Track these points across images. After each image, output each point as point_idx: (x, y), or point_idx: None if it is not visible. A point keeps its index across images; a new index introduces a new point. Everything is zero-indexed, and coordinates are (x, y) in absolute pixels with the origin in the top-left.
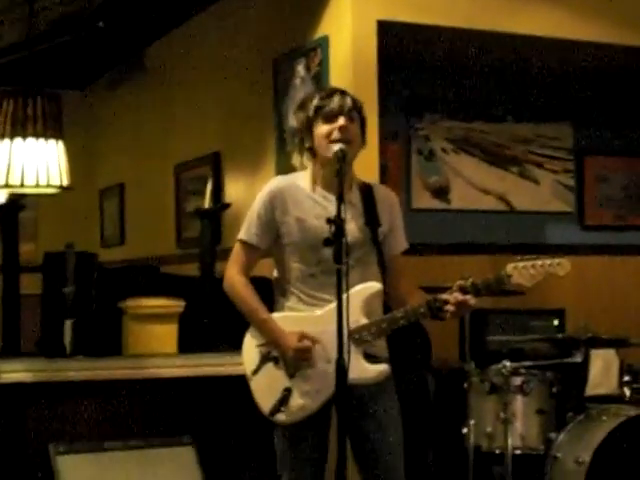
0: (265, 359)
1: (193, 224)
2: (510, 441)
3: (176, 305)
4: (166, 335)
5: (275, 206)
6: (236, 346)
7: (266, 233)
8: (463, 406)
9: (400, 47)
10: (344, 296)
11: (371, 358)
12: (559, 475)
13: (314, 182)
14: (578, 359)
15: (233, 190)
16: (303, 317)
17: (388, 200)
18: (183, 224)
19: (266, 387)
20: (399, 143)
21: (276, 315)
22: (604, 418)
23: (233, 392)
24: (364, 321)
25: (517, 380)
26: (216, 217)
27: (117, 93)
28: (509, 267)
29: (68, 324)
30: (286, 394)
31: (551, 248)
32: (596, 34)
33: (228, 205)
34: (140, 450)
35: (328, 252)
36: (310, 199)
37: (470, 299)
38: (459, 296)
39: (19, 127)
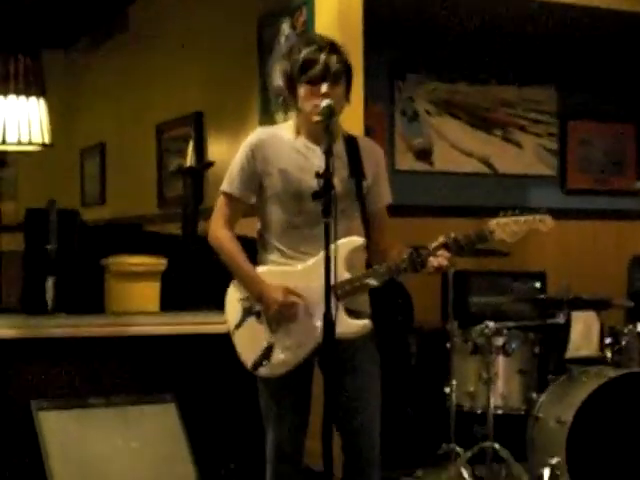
0: (248, 313)
1: (175, 183)
2: (492, 401)
3: (158, 263)
4: (148, 293)
5: (257, 157)
6: (218, 305)
7: (249, 185)
8: (445, 366)
9: (385, 7)
10: (331, 250)
11: (353, 313)
12: (540, 435)
13: (297, 132)
14: (560, 320)
15: (216, 150)
16: (286, 271)
17: (373, 153)
18: (165, 183)
19: (249, 341)
20: (383, 104)
21: (260, 269)
22: (585, 379)
23: (215, 350)
24: (347, 275)
25: (499, 340)
26: (199, 175)
27: (99, 53)
28: (491, 223)
29: (50, 281)
30: (268, 348)
31: (533, 211)
32: None
33: (212, 163)
34: (122, 407)
35: (311, 203)
36: (293, 150)
37: (451, 258)
38: (439, 249)
39: (0, 85)
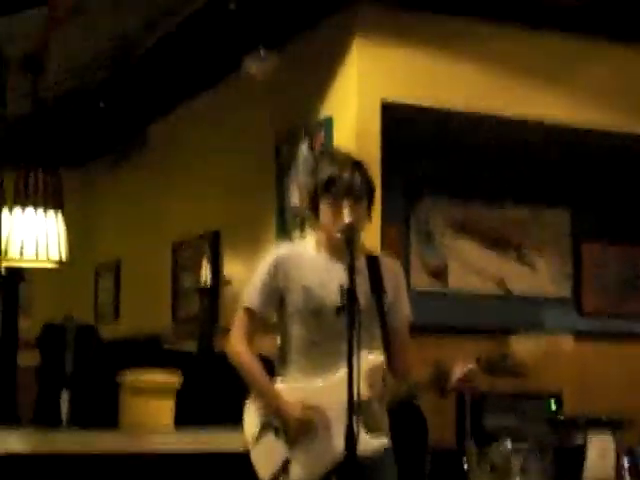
0: (266, 428)
1: (190, 301)
2: None
3: (173, 379)
4: (163, 409)
5: (279, 273)
6: (233, 422)
7: (270, 300)
8: None
9: (403, 128)
10: (354, 366)
11: (373, 431)
12: None
13: (318, 249)
14: (578, 442)
15: (232, 269)
16: (305, 387)
17: (393, 270)
18: (179, 301)
19: (266, 456)
20: (398, 225)
21: (278, 385)
22: None
23: (229, 469)
24: (367, 393)
25: (517, 460)
26: (216, 293)
27: (117, 170)
28: (513, 341)
29: (65, 395)
30: (286, 464)
31: (554, 332)
32: (595, 121)
33: (229, 281)
34: None
35: (332, 320)
36: (315, 266)
37: (474, 370)
38: (462, 369)
39: (19, 198)
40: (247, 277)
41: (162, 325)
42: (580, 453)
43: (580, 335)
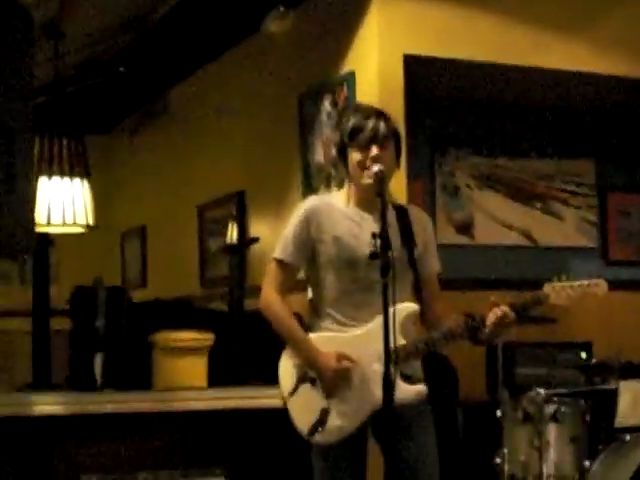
0: (302, 380)
1: (218, 263)
2: (545, 469)
3: (206, 338)
4: (196, 369)
5: (311, 224)
6: (265, 380)
7: (302, 251)
8: (493, 438)
9: (425, 82)
10: (390, 310)
11: (409, 379)
12: None
13: (349, 201)
14: (611, 386)
15: (258, 228)
16: (340, 337)
17: (422, 222)
18: (207, 264)
19: (303, 408)
20: (423, 179)
21: (312, 335)
22: (637, 445)
23: (264, 425)
24: (402, 341)
25: (550, 408)
26: (244, 252)
27: (140, 136)
28: (546, 287)
29: (98, 358)
30: (324, 415)
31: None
32: (620, 69)
33: (257, 239)
34: None
35: (365, 270)
36: (346, 218)
37: (509, 313)
38: (498, 311)
39: (44, 166)
40: (274, 236)
41: (190, 289)
42: (613, 398)
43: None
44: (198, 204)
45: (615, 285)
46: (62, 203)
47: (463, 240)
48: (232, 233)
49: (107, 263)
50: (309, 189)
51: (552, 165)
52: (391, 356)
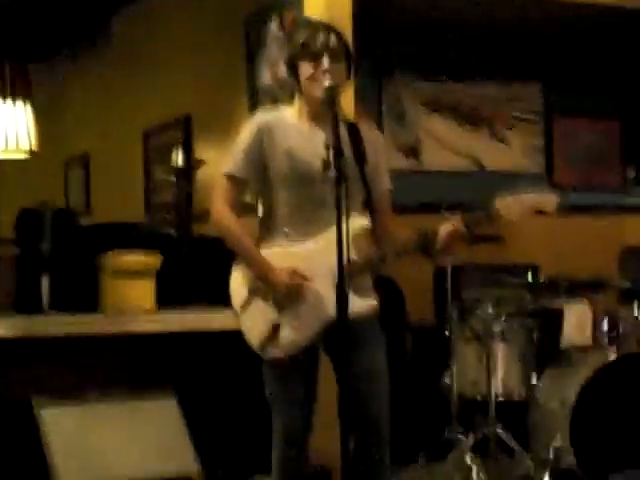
0: (253, 293)
1: (163, 190)
2: (493, 387)
3: (153, 260)
4: (143, 291)
5: (262, 138)
6: (213, 303)
7: (252, 166)
8: (441, 361)
9: (372, 6)
10: (343, 220)
11: (359, 293)
12: (543, 418)
13: (300, 116)
14: (557, 306)
15: (205, 153)
16: (291, 252)
17: (374, 138)
18: (152, 191)
19: (255, 322)
20: (370, 104)
21: (264, 251)
22: (585, 361)
23: (211, 346)
24: (354, 256)
25: (498, 327)
26: (190, 174)
27: (83, 63)
28: (497, 201)
29: (45, 280)
30: (275, 328)
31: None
32: None
33: (202, 161)
34: (122, 402)
35: (317, 185)
36: (298, 132)
37: (460, 227)
38: (449, 226)
39: None
40: (221, 161)
41: (136, 216)
42: (560, 317)
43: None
44: (144, 129)
45: (561, 210)
46: (4, 128)
47: (411, 165)
48: (178, 157)
49: (50, 191)
50: (256, 113)
51: (498, 89)
52: (344, 271)
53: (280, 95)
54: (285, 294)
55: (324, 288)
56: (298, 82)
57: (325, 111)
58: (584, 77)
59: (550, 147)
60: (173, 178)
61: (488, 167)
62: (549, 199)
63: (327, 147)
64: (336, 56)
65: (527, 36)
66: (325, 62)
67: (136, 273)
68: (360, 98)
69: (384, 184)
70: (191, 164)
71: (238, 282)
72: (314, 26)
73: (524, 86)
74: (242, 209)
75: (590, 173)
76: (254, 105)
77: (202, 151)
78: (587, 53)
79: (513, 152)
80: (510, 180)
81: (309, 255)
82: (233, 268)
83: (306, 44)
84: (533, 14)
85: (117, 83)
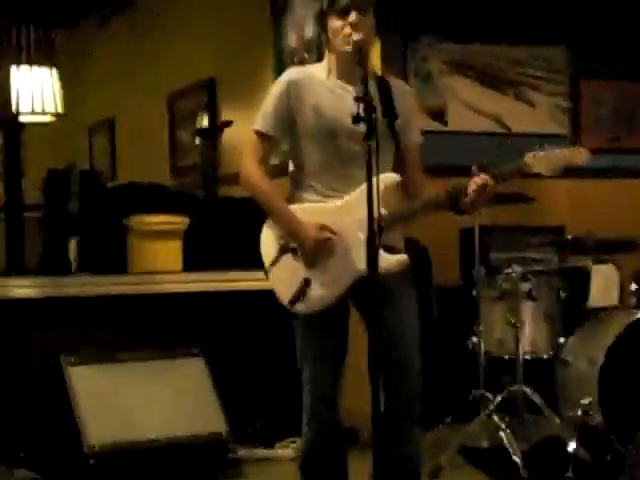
0: (283, 250)
1: (188, 154)
2: (520, 346)
3: (181, 222)
4: (171, 252)
5: (291, 95)
6: (240, 264)
7: (282, 123)
8: (466, 320)
9: None
10: (374, 178)
11: (389, 249)
12: (570, 377)
13: (330, 72)
14: (585, 264)
15: (230, 116)
16: (321, 208)
17: (404, 93)
18: (177, 154)
19: (285, 278)
20: (396, 65)
21: (293, 207)
22: (613, 320)
23: (238, 307)
24: (383, 211)
25: (525, 286)
26: (216, 135)
27: (107, 28)
28: (528, 156)
29: (73, 242)
30: (305, 284)
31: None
32: None
33: (230, 122)
34: (150, 361)
35: (346, 141)
36: (327, 89)
37: (489, 180)
38: (478, 180)
39: (12, 55)
40: (246, 124)
41: (161, 180)
42: (587, 276)
43: (579, 172)
44: (168, 93)
45: (587, 172)
46: (31, 91)
47: (436, 127)
48: (203, 120)
49: (75, 156)
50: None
51: (524, 51)
52: (374, 226)
53: (306, 57)
54: (314, 249)
55: (353, 244)
56: (327, 38)
57: (354, 66)
58: (610, 39)
59: (577, 109)
60: (198, 141)
61: (513, 129)
62: (580, 153)
63: (357, 99)
64: (364, 10)
65: None
66: (353, 15)
67: (163, 234)
68: (386, 60)
69: (414, 138)
70: (217, 125)
71: (268, 239)
72: None
73: (550, 49)
74: (271, 171)
75: (616, 135)
76: (280, 67)
77: (227, 114)
78: (613, 15)
79: (539, 114)
80: (536, 142)
81: (338, 211)
82: (264, 226)
83: (333, 0)
84: None
85: (142, 47)
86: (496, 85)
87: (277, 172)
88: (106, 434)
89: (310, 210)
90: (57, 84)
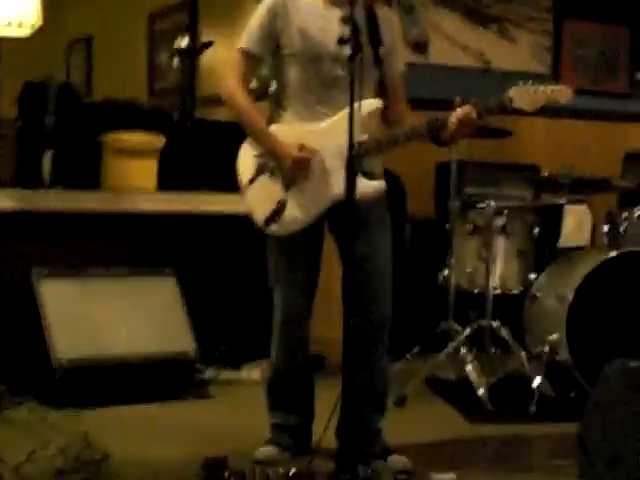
0: (261, 170)
1: (166, 75)
2: (490, 281)
3: (157, 140)
4: (146, 170)
5: (277, 15)
6: (214, 187)
7: (266, 42)
8: (439, 253)
9: None
10: (355, 104)
11: (367, 175)
12: (539, 313)
13: None
14: (562, 201)
15: (210, 38)
16: (301, 129)
17: (390, 22)
18: (155, 75)
19: (261, 198)
20: None
21: (274, 126)
22: (584, 259)
23: (211, 229)
24: (364, 137)
25: (499, 221)
26: (195, 56)
27: None
28: (511, 90)
29: (47, 155)
30: (281, 205)
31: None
32: None
33: (211, 43)
34: (122, 277)
35: (329, 64)
36: (313, 11)
37: (471, 112)
38: (460, 111)
39: None
40: (227, 45)
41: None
42: (561, 214)
43: (557, 112)
44: (149, 13)
45: (565, 112)
46: (8, 5)
47: (418, 59)
48: (183, 41)
49: (52, 73)
50: None
51: None
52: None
53: None
54: (292, 167)
55: (332, 167)
56: None
57: None
58: None
59: (558, 49)
60: (177, 62)
61: (495, 65)
62: (564, 91)
63: (343, 21)
64: None
65: None
66: None
67: (138, 152)
68: None
69: (398, 67)
70: (196, 47)
71: (246, 158)
72: None
73: None
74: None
75: (597, 78)
76: None
77: (208, 36)
78: None
79: (521, 52)
80: (517, 79)
81: (319, 133)
82: (243, 144)
83: None
84: None
85: None
86: (480, 20)
87: (254, 96)
88: (74, 348)
89: (289, 131)
90: None
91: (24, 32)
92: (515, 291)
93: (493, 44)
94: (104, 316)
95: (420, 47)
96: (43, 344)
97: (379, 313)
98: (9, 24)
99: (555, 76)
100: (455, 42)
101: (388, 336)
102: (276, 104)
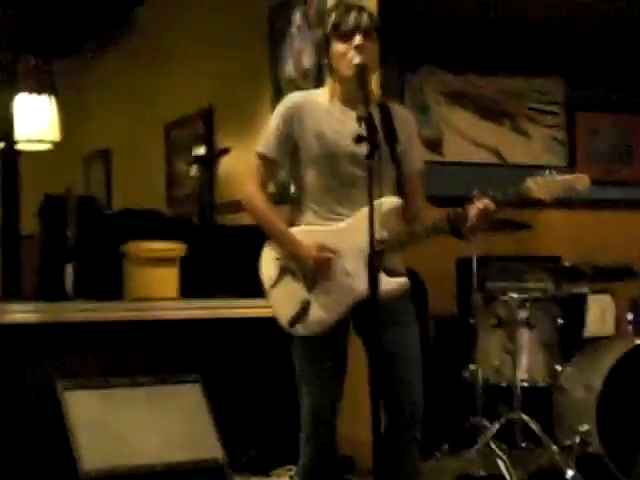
0: (283, 272)
1: (184, 183)
2: (518, 374)
3: (177, 249)
4: (167, 279)
5: (293, 119)
6: (236, 292)
7: (284, 146)
8: (464, 350)
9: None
10: (375, 202)
11: (390, 272)
12: (568, 404)
13: (332, 97)
14: (584, 290)
15: (227, 145)
16: (321, 231)
17: (405, 119)
18: (173, 184)
19: (285, 300)
20: (393, 96)
21: (294, 229)
22: (611, 348)
23: (234, 333)
24: (384, 234)
25: (523, 313)
26: (213, 163)
27: (106, 57)
28: (529, 181)
29: (69, 268)
30: (305, 306)
31: (542, 202)
32: None
33: (228, 149)
34: (147, 387)
35: (347, 165)
36: (329, 113)
37: (490, 204)
38: (480, 204)
39: (10, 82)
40: (244, 153)
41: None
42: (584, 303)
43: (575, 203)
44: (165, 123)
45: (583, 204)
46: (29, 120)
47: (433, 158)
48: (200, 149)
49: (71, 186)
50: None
51: (521, 83)
52: (375, 250)
53: (304, 86)
54: (314, 269)
55: (354, 266)
56: (330, 64)
57: (356, 90)
58: (606, 71)
59: (572, 141)
60: (195, 169)
61: (510, 161)
62: (581, 179)
63: (359, 119)
64: (367, 35)
65: (550, 31)
66: (357, 39)
67: (160, 261)
68: (384, 90)
69: (416, 164)
70: (214, 153)
71: (269, 261)
72: (346, 7)
73: (546, 80)
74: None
75: (612, 168)
76: (277, 97)
77: (225, 142)
78: (609, 47)
79: (535, 146)
80: (532, 174)
81: (339, 234)
82: (264, 248)
83: (338, 24)
84: (556, 9)
85: (140, 76)
86: (493, 116)
87: (273, 200)
88: (102, 460)
89: (310, 233)
90: (55, 113)
91: (43, 146)
92: (543, 383)
93: (507, 139)
94: (131, 426)
95: (433, 146)
96: (70, 456)
97: (412, 405)
98: (29, 140)
99: (571, 168)
100: (469, 139)
101: (421, 427)
102: (295, 207)
